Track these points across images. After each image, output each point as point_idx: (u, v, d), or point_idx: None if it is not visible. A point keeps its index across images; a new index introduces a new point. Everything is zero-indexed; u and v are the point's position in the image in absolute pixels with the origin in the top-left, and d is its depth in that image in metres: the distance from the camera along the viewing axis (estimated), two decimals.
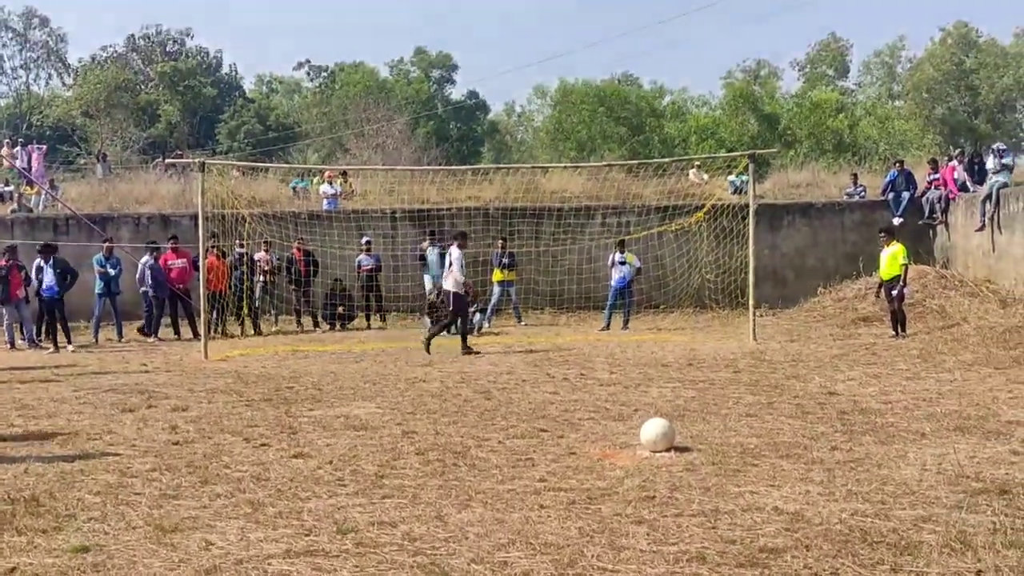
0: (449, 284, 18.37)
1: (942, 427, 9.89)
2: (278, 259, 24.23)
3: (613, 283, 23.09)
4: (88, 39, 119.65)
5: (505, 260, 24.32)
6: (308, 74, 78.63)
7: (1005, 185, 22.81)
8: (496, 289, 24.44)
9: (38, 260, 21.01)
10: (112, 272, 21.93)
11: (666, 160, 32.88)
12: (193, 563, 5.99)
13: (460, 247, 18.48)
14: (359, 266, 24.59)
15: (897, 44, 70.34)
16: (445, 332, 19.89)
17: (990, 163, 23.83)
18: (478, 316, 22.49)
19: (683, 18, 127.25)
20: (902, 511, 6.84)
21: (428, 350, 17.85)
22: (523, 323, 24.35)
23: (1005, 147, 24.56)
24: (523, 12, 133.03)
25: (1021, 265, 21.58)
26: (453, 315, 18.54)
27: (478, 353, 17.77)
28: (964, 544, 6.03)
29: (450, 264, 18.37)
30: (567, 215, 26.68)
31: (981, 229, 23.35)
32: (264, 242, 24.00)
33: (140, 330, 22.17)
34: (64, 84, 76.48)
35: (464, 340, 18.18)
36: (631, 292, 23.17)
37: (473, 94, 74.26)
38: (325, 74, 76.97)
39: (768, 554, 5.96)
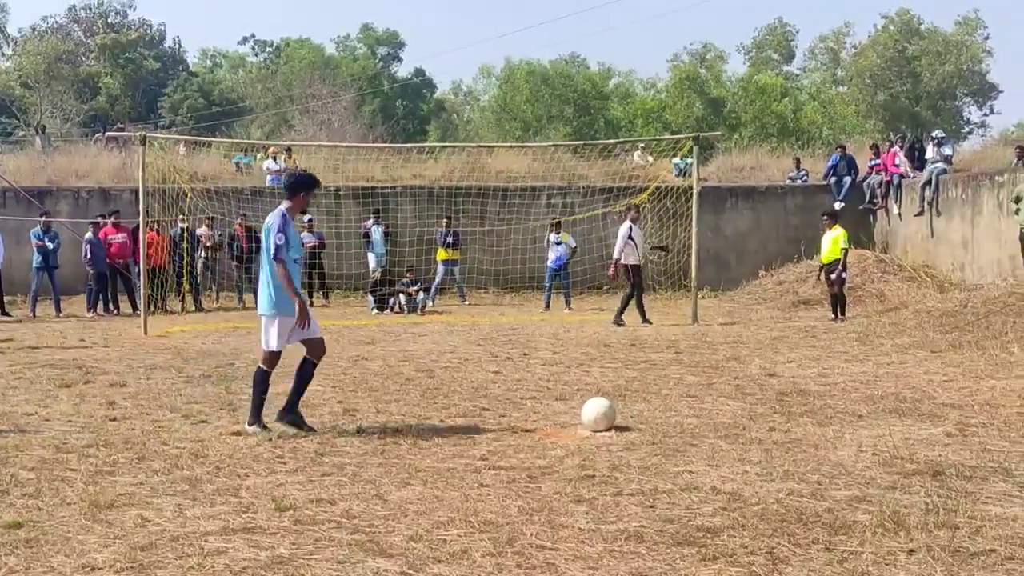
0: (631, 257, 19.20)
1: (879, 409, 10.02)
2: (220, 235, 24.02)
3: (549, 264, 23.18)
4: (28, 9, 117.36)
5: (450, 239, 24.28)
6: (253, 49, 77.90)
7: (944, 171, 23.12)
8: (440, 268, 24.39)
9: None
10: (50, 246, 21.65)
11: (611, 141, 32.93)
12: (128, 539, 5.92)
13: (633, 220, 19.47)
14: (301, 243, 24.38)
15: (842, 30, 70.86)
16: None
17: (930, 151, 24.14)
18: (422, 295, 22.47)
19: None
20: (837, 491, 6.92)
21: (621, 323, 18.94)
22: (467, 302, 24.35)
23: (944, 135, 24.88)
24: None
25: (958, 250, 21.91)
26: (634, 286, 19.31)
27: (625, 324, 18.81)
28: (897, 524, 6.10)
29: (628, 237, 19.20)
30: (512, 195, 26.69)
31: (920, 214, 23.66)
32: (207, 218, 23.78)
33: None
34: (3, 54, 74.94)
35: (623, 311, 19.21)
36: (567, 272, 23.23)
37: (420, 72, 73.91)
38: (270, 49, 76.24)
39: (705, 533, 6.00)
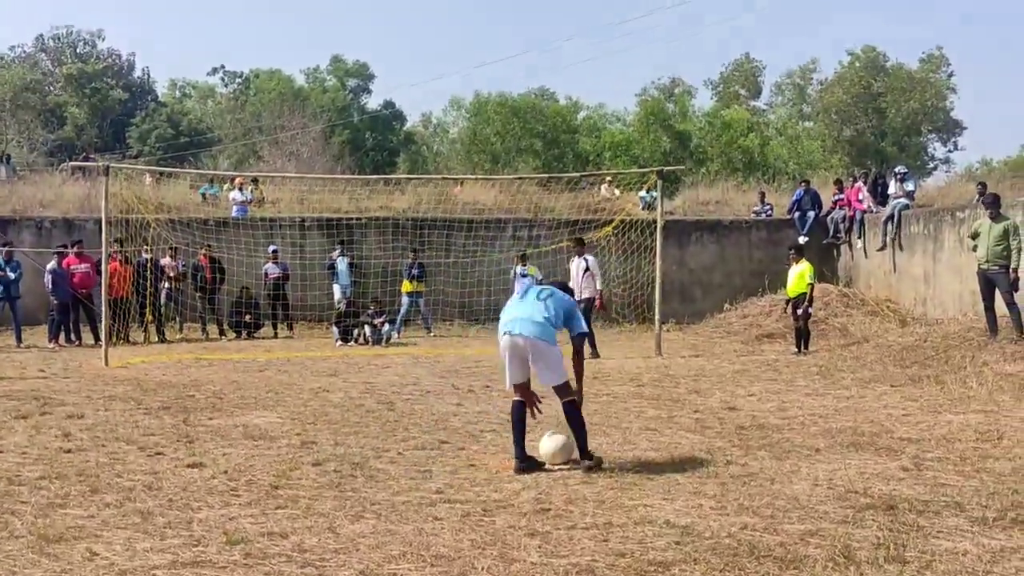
0: (587, 291, 19.13)
1: (836, 443, 10.06)
2: (184, 265, 23.91)
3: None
4: None
5: (415, 271, 24.27)
6: (223, 79, 77.65)
7: (907, 207, 23.35)
8: (405, 300, 24.37)
9: None
10: (12, 276, 21.47)
11: (578, 175, 33.08)
12: (75, 573, 5.86)
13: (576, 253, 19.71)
14: (266, 274, 24.37)
15: (809, 66, 71.50)
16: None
17: (892, 186, 24.39)
18: (387, 327, 22.41)
19: (601, 33, 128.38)
20: (791, 525, 6.94)
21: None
22: (432, 334, 24.31)
23: (906, 170, 25.15)
24: (439, 23, 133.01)
25: (920, 285, 22.09)
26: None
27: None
28: (848, 558, 6.13)
29: (586, 270, 19.29)
30: (478, 227, 26.70)
31: (883, 249, 23.86)
32: (170, 248, 23.67)
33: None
34: None
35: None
36: None
37: (389, 104, 73.94)
38: (240, 80, 76.12)
39: (657, 567, 6.00)
